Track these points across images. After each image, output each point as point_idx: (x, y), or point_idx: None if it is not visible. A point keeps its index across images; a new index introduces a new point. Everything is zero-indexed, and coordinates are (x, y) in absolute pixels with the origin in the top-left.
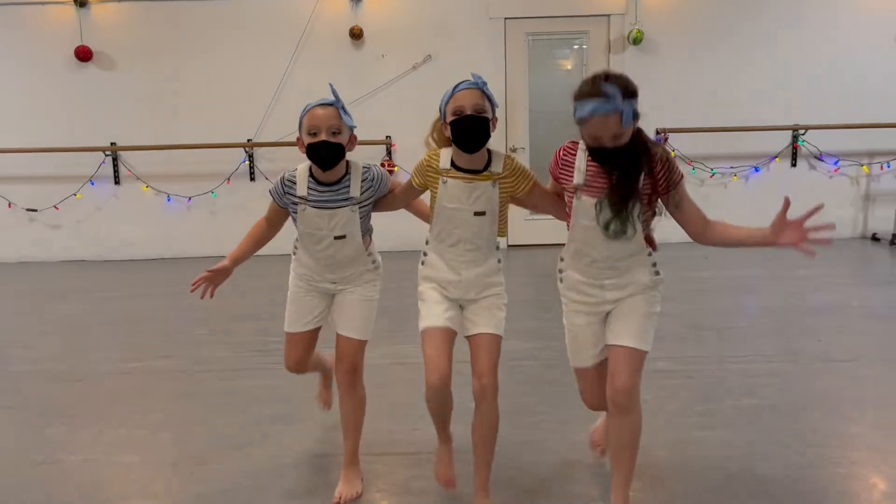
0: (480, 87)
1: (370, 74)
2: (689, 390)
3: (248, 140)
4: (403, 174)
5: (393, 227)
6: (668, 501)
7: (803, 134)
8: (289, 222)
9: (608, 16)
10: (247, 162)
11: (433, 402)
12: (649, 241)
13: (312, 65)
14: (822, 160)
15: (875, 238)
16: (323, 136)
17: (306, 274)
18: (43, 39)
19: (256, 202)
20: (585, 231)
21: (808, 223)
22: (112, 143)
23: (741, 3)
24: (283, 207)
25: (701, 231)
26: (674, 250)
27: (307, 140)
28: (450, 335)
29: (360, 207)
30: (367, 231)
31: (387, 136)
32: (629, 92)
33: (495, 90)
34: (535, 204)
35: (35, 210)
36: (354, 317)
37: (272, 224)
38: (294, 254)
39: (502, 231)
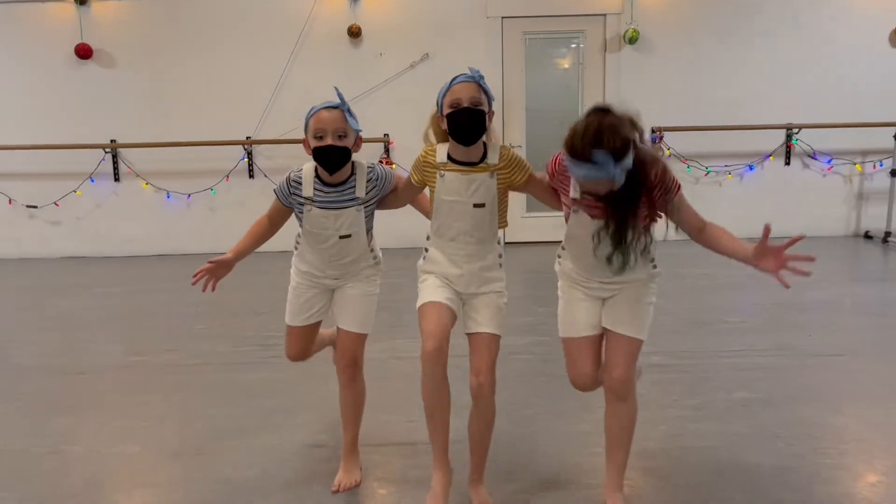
0: (477, 81)
1: (368, 73)
2: (682, 384)
3: (247, 137)
4: (401, 172)
5: (393, 224)
6: (661, 490)
7: (797, 133)
8: (290, 219)
9: (604, 15)
10: (246, 159)
11: (428, 376)
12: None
13: (311, 63)
14: (816, 159)
15: (868, 236)
16: (329, 140)
17: (308, 270)
18: (43, 37)
19: (255, 199)
20: (582, 241)
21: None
22: (112, 141)
23: (736, 4)
24: (287, 207)
25: (696, 234)
26: (669, 247)
27: (313, 143)
28: (448, 311)
29: (365, 207)
30: (369, 228)
31: (385, 134)
32: (622, 153)
33: (492, 89)
34: (532, 193)
35: (35, 207)
36: (355, 311)
37: (273, 222)
38: (296, 249)
39: (503, 222)
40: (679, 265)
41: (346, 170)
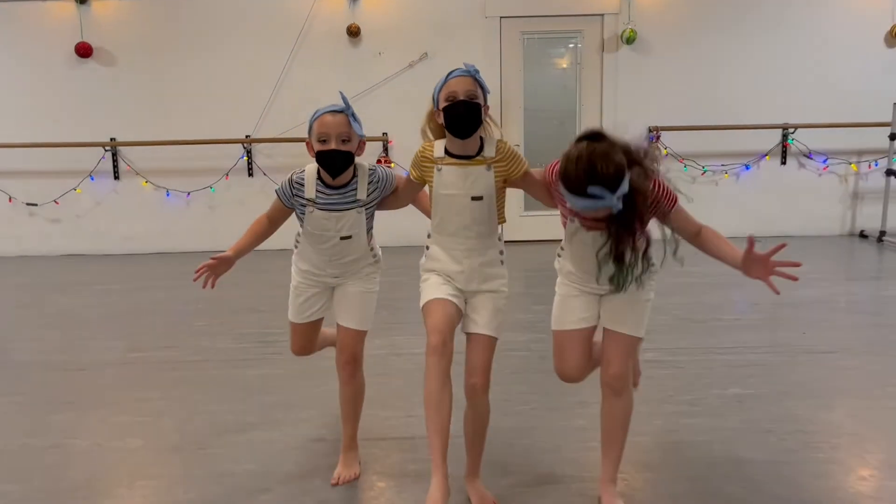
0: (473, 75)
1: (367, 72)
2: (677, 380)
3: (247, 136)
4: (400, 171)
5: (393, 223)
6: (655, 483)
7: (793, 132)
8: (290, 217)
9: (602, 15)
10: (245, 158)
11: (432, 371)
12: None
13: (310, 62)
14: (812, 158)
15: (863, 235)
16: (333, 145)
17: (308, 269)
18: (43, 36)
19: (254, 197)
20: (580, 248)
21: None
22: (112, 139)
23: (733, 4)
24: (289, 208)
25: (692, 238)
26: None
27: (317, 147)
28: (452, 307)
29: (366, 209)
30: (370, 228)
31: (383, 133)
32: (617, 182)
33: (491, 89)
34: (527, 188)
35: (35, 204)
36: (355, 308)
37: (273, 222)
38: (296, 248)
39: (501, 218)
40: (674, 263)
41: (349, 172)
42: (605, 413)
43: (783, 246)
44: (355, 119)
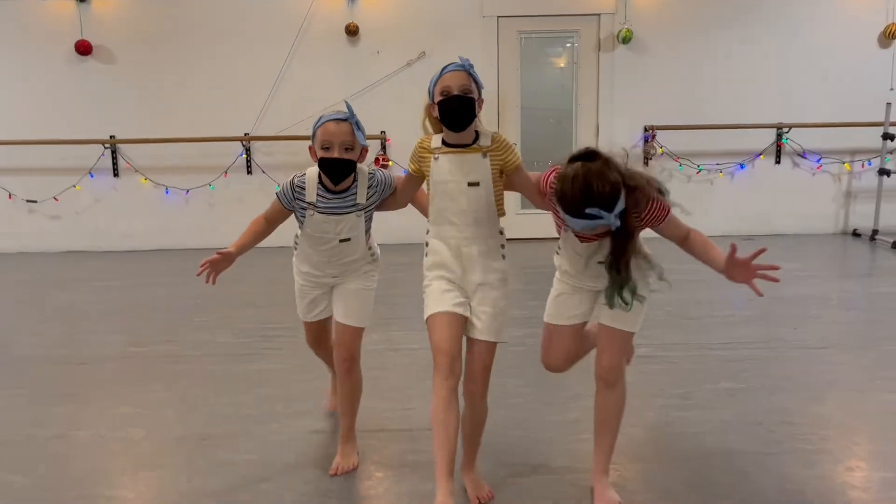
0: (467, 69)
1: (365, 70)
2: (669, 375)
3: (246, 134)
4: (397, 169)
5: (391, 221)
6: (646, 474)
7: (787, 132)
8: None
9: (598, 15)
10: (244, 155)
11: (440, 391)
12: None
13: (309, 60)
14: (806, 158)
15: (856, 233)
16: (336, 153)
17: (309, 271)
18: (44, 33)
19: (253, 195)
20: (573, 257)
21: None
22: (111, 136)
23: (728, 4)
24: (289, 210)
25: (680, 242)
26: (660, 243)
27: (320, 153)
28: (457, 320)
29: (364, 212)
30: (368, 229)
31: (382, 131)
32: (613, 201)
33: (488, 87)
34: (520, 186)
35: (35, 201)
36: (353, 306)
37: (271, 223)
38: (295, 249)
39: (500, 211)
40: (670, 261)
41: (349, 178)
42: (599, 405)
43: (763, 250)
44: (359, 128)
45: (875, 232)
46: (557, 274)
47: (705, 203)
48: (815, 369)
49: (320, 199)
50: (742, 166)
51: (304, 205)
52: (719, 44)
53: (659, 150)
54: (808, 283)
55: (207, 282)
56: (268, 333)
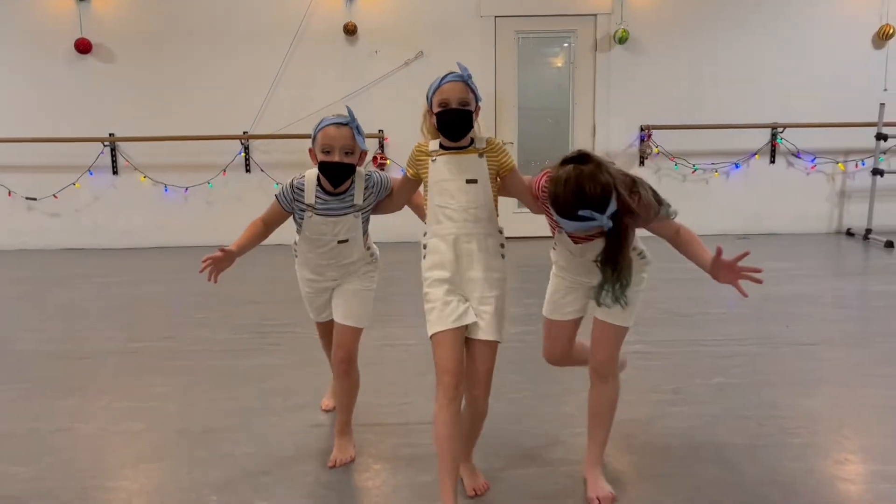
0: (465, 81)
1: (363, 70)
2: (662, 371)
3: (244, 132)
4: (395, 167)
5: (388, 220)
6: (638, 466)
7: (782, 132)
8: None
9: (595, 15)
10: (242, 154)
11: (443, 411)
12: None
13: (307, 60)
14: (800, 157)
15: (849, 233)
16: (336, 157)
17: (311, 277)
18: (43, 32)
19: (251, 193)
20: (568, 256)
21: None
22: (110, 134)
23: (724, 5)
24: (288, 212)
25: (670, 239)
26: (655, 242)
27: (320, 157)
28: (460, 336)
29: (362, 213)
30: (365, 231)
31: (379, 131)
32: (605, 202)
33: (485, 87)
34: (514, 189)
35: (34, 199)
36: (352, 306)
37: (269, 225)
38: (295, 254)
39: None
40: (664, 259)
41: (348, 181)
42: (592, 398)
43: (747, 253)
44: (359, 132)
45: (868, 231)
46: (554, 268)
47: (700, 202)
48: (806, 365)
49: (318, 200)
50: (737, 166)
51: (303, 206)
52: (715, 44)
53: (655, 150)
54: (802, 281)
55: (209, 280)
56: (267, 329)
